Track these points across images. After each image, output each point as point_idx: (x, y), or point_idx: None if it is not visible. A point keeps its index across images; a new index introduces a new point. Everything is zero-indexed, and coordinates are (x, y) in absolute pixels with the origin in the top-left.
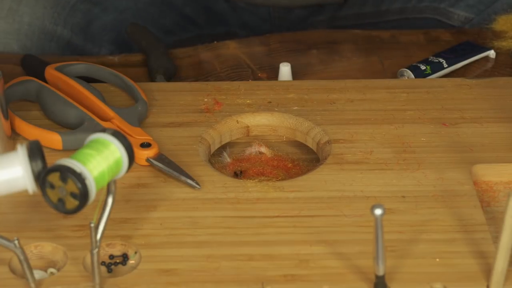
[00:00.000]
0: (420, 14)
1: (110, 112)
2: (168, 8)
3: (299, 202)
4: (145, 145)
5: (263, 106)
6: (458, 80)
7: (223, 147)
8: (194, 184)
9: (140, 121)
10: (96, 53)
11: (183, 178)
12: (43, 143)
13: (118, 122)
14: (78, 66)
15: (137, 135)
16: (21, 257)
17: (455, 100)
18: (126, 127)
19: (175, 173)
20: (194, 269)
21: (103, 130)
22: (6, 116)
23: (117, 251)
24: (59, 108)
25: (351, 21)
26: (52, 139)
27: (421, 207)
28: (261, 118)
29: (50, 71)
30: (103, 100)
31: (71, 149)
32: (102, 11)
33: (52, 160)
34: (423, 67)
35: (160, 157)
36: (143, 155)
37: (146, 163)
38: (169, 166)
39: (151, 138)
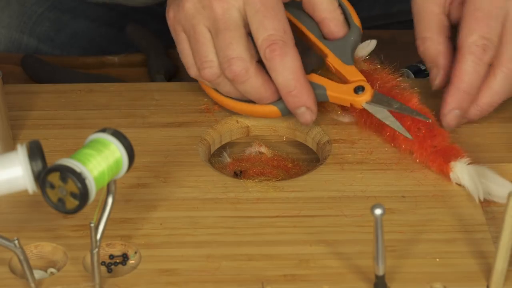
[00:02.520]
0: None
1: (324, 49)
2: (151, 16)
3: (299, 202)
4: (358, 89)
5: None
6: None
7: (223, 147)
8: (408, 135)
9: (353, 53)
10: None
11: (398, 127)
12: (261, 115)
13: (332, 61)
14: None
15: (350, 77)
16: (21, 257)
17: None
18: (339, 67)
19: (392, 120)
20: (194, 269)
21: (103, 130)
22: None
23: (117, 251)
24: None
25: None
26: (270, 110)
27: (421, 207)
28: (261, 118)
29: None
30: (318, 32)
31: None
32: (72, 18)
33: (52, 160)
34: (423, 67)
35: (376, 99)
36: (358, 102)
37: (362, 107)
38: (390, 107)
39: (364, 79)
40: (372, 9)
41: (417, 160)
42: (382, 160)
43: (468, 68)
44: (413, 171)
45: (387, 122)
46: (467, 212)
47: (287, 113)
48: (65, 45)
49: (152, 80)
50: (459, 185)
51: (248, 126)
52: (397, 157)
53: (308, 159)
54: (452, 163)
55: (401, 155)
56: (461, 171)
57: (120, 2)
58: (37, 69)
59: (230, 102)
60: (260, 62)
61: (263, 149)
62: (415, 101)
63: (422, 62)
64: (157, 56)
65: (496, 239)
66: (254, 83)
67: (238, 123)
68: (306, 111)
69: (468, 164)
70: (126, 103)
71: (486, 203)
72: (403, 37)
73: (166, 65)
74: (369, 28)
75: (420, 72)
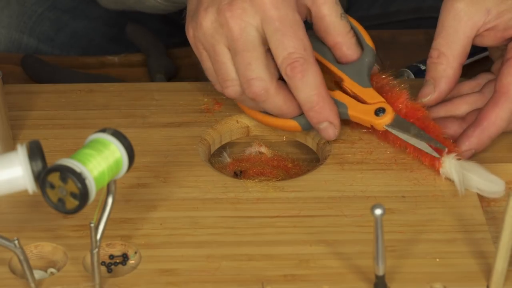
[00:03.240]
0: (423, 14)
1: (340, 74)
2: (151, 16)
3: (299, 202)
4: (379, 111)
5: None
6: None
7: (223, 147)
8: (435, 154)
9: (369, 75)
10: None
11: (424, 146)
12: (283, 129)
13: (348, 85)
14: None
15: (369, 99)
16: (21, 257)
17: None
18: (357, 90)
19: (416, 140)
20: (194, 269)
21: (103, 130)
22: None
23: (117, 251)
24: None
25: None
26: (290, 125)
27: (421, 207)
28: None
29: None
30: (331, 57)
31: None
32: (72, 18)
33: (52, 160)
34: (423, 67)
35: (396, 122)
36: (379, 125)
37: (383, 129)
38: (408, 133)
39: (384, 101)
40: (371, 8)
41: (410, 155)
42: (382, 160)
43: (504, 116)
44: (413, 171)
45: (411, 143)
46: (467, 212)
47: (308, 128)
48: (65, 45)
49: (152, 80)
50: (449, 179)
51: (248, 126)
52: (397, 157)
53: (308, 159)
54: (442, 159)
55: (401, 155)
56: (450, 166)
57: (137, 10)
58: (37, 69)
59: (254, 113)
60: (281, 79)
61: (263, 149)
62: (404, 98)
63: (422, 62)
64: (157, 56)
65: (496, 239)
66: (275, 102)
67: (238, 123)
68: (329, 126)
69: (457, 159)
70: (126, 103)
71: (486, 203)
72: (403, 37)
73: (166, 65)
74: (368, 28)
75: (420, 72)
